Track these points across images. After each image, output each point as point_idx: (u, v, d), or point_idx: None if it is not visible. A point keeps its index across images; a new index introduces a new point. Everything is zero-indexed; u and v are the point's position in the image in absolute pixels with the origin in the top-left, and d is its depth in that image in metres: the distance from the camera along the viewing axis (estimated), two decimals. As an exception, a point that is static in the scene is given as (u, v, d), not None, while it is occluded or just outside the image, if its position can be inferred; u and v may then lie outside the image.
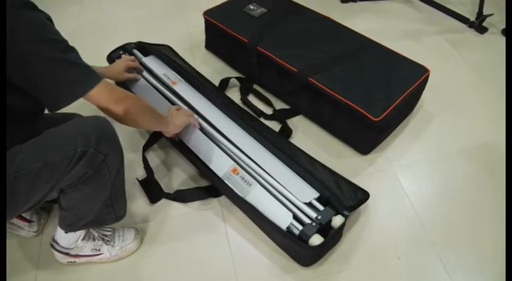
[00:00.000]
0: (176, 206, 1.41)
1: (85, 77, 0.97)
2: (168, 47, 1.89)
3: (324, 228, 1.22)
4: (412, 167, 1.56)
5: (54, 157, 0.94)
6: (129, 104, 1.05)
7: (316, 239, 1.18)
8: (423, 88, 1.65)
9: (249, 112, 1.67)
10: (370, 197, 1.35)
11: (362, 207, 1.37)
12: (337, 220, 1.23)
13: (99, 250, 1.24)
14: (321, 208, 1.26)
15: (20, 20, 0.88)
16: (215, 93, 1.64)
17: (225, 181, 1.34)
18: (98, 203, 1.11)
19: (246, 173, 1.35)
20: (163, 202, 1.42)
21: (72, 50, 0.96)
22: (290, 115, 1.70)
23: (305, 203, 1.27)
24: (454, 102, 1.80)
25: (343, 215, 1.24)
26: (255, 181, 1.33)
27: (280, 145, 1.45)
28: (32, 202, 1.00)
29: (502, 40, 2.15)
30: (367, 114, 1.42)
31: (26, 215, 1.30)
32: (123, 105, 1.03)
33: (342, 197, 1.31)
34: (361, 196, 1.34)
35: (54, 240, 1.22)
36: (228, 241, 1.33)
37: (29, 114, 1.05)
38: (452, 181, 1.52)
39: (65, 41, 0.95)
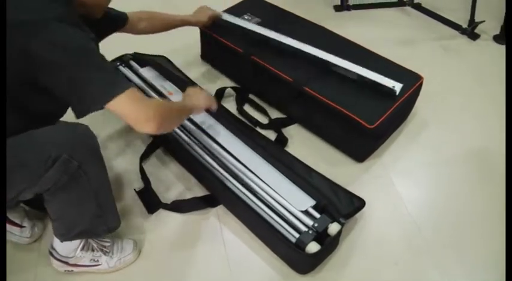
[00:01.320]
0: (174, 216, 1.42)
1: (109, 86, 0.97)
2: (164, 57, 1.91)
3: (321, 235, 1.23)
4: (408, 173, 1.57)
5: (29, 158, 0.96)
6: (161, 121, 1.02)
7: (313, 247, 1.18)
8: (417, 95, 1.67)
9: (245, 122, 1.68)
10: (366, 204, 1.36)
11: (358, 214, 1.38)
12: (333, 228, 1.24)
13: (98, 261, 1.25)
14: (318, 215, 1.27)
15: (62, 34, 0.92)
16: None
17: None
18: (84, 212, 1.12)
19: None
20: (161, 212, 1.42)
21: (105, 60, 1.00)
22: (286, 124, 1.72)
23: (301, 211, 1.28)
24: (448, 108, 1.83)
25: (339, 222, 1.25)
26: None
27: (277, 154, 1.47)
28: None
29: (494, 46, 2.18)
30: (362, 122, 1.44)
31: (15, 219, 1.29)
32: (156, 124, 1.01)
33: (338, 205, 1.32)
34: (357, 204, 1.35)
35: (52, 247, 1.23)
36: (225, 250, 1.33)
37: (50, 117, 1.07)
38: (448, 186, 1.54)
39: (100, 54, 0.99)
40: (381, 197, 1.49)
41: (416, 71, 1.65)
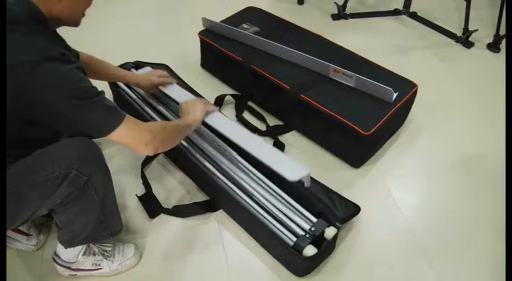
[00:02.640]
0: (174, 221, 1.45)
1: (105, 124, 1.02)
2: (165, 66, 1.95)
3: (318, 239, 1.26)
4: (403, 179, 1.61)
5: (40, 178, 0.99)
6: (157, 144, 1.10)
7: (310, 250, 1.22)
8: (412, 102, 1.71)
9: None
10: (362, 209, 1.39)
11: (355, 218, 1.41)
12: (330, 231, 1.27)
13: (99, 265, 1.28)
14: (314, 220, 1.31)
15: (50, 74, 0.93)
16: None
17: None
18: (91, 220, 1.15)
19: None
20: (162, 217, 1.45)
21: (98, 96, 1.01)
22: (283, 131, 1.75)
23: (295, 183, 1.29)
24: (443, 115, 1.86)
25: (335, 226, 1.29)
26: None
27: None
28: (21, 219, 1.05)
29: (488, 54, 2.22)
30: (358, 129, 1.48)
31: (23, 228, 1.33)
32: (153, 147, 1.09)
33: (334, 209, 1.35)
34: (352, 209, 1.38)
35: (56, 254, 1.26)
36: (225, 253, 1.36)
37: (45, 143, 1.07)
38: (442, 191, 1.57)
39: (92, 90, 1.00)
40: (376, 202, 1.52)
41: (412, 79, 1.68)
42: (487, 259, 1.35)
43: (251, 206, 1.36)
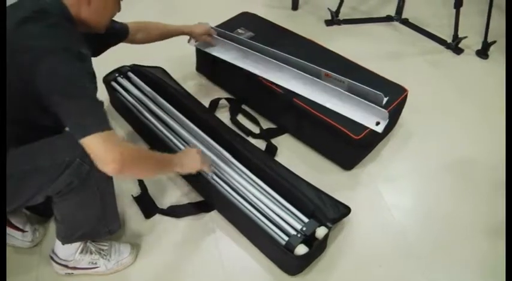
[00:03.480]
0: (169, 221, 1.48)
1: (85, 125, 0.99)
2: (161, 68, 1.97)
3: (309, 239, 1.29)
4: (394, 181, 1.65)
5: (44, 163, 1.03)
6: (123, 165, 1.00)
7: (301, 249, 1.25)
8: (402, 107, 1.75)
9: (237, 132, 1.75)
10: (353, 210, 1.43)
11: (346, 219, 1.45)
12: (321, 231, 1.30)
13: (96, 263, 1.30)
14: (306, 220, 1.34)
15: (65, 65, 0.98)
16: (205, 114, 1.73)
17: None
18: (90, 215, 1.19)
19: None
20: (157, 217, 1.48)
21: (91, 98, 1.01)
22: (277, 134, 1.79)
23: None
24: (433, 120, 1.91)
25: (326, 226, 1.32)
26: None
27: (267, 162, 1.53)
28: (17, 202, 1.08)
29: (477, 60, 2.28)
30: (348, 133, 1.52)
31: (18, 224, 1.35)
32: (117, 166, 0.99)
33: (325, 210, 1.39)
34: (343, 210, 1.42)
35: (53, 252, 1.29)
36: (219, 252, 1.39)
37: (51, 131, 1.11)
38: (432, 193, 1.61)
39: (88, 92, 1.01)
40: (367, 203, 1.55)
41: (403, 84, 1.72)
42: (478, 261, 1.39)
43: (244, 206, 1.39)
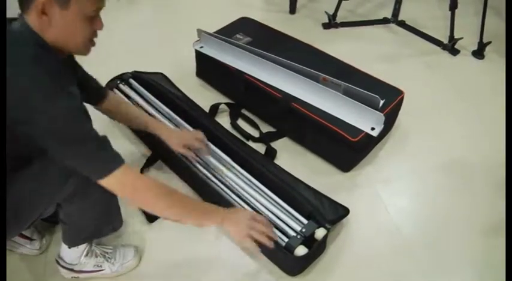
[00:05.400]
0: (172, 224, 1.48)
1: (98, 169, 0.98)
2: (162, 74, 2.00)
3: (308, 240, 1.32)
4: (391, 182, 1.67)
5: (50, 175, 1.04)
6: (150, 201, 1.05)
7: (300, 250, 1.28)
8: (399, 109, 1.78)
9: (237, 136, 1.78)
10: (352, 211, 1.45)
11: (344, 221, 1.48)
12: (320, 232, 1.33)
13: (101, 266, 1.33)
14: (305, 221, 1.38)
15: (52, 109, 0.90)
16: (206, 119, 1.76)
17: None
18: (95, 216, 1.21)
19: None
20: (160, 221, 1.51)
21: (93, 140, 0.97)
22: (276, 138, 1.82)
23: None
24: (430, 121, 1.93)
25: (325, 228, 1.35)
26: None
27: (266, 165, 1.57)
28: (33, 218, 1.12)
29: (473, 61, 2.30)
30: (346, 136, 1.55)
31: (26, 232, 1.38)
32: (143, 201, 1.05)
33: (323, 212, 1.42)
34: (341, 212, 1.45)
35: (59, 257, 1.32)
36: (221, 254, 1.42)
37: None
38: (430, 194, 1.64)
39: (88, 132, 0.96)
40: (365, 204, 1.58)
41: (400, 86, 1.75)
42: (477, 261, 1.41)
43: (244, 208, 1.42)
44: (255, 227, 1.17)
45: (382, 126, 1.55)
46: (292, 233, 1.34)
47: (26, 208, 1.07)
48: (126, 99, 1.59)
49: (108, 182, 0.98)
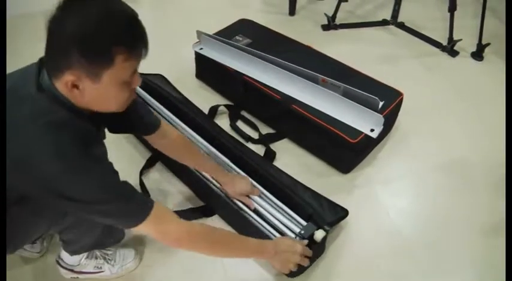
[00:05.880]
0: None
1: (128, 217, 0.97)
2: (161, 76, 2.01)
3: (307, 241, 1.32)
4: (391, 183, 1.68)
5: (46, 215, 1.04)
6: (186, 244, 1.05)
7: None
8: (398, 110, 1.79)
9: (237, 137, 1.78)
10: (351, 213, 1.46)
11: (344, 222, 1.48)
12: (319, 234, 1.33)
13: (101, 267, 1.34)
14: (304, 223, 1.38)
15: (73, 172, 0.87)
16: (205, 121, 1.76)
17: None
18: (98, 229, 1.22)
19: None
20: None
21: (119, 198, 0.94)
22: (275, 139, 1.82)
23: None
24: (429, 122, 1.94)
25: (324, 229, 1.35)
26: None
27: (266, 167, 1.57)
28: (28, 243, 1.19)
29: (472, 62, 2.31)
30: (345, 137, 1.55)
31: None
32: (179, 245, 1.06)
33: (322, 213, 1.42)
34: (340, 213, 1.45)
35: (59, 257, 1.32)
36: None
37: None
38: (429, 195, 1.64)
39: (113, 192, 0.93)
40: (365, 205, 1.58)
41: (399, 87, 1.75)
42: (476, 261, 1.42)
43: (244, 210, 1.43)
44: (300, 261, 1.25)
45: (382, 127, 1.55)
46: (292, 235, 1.34)
47: (21, 236, 1.08)
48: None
49: (144, 229, 0.98)
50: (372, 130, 1.55)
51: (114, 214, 0.94)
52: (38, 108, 0.87)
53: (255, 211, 1.44)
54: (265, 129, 1.87)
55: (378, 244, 1.47)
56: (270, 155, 1.73)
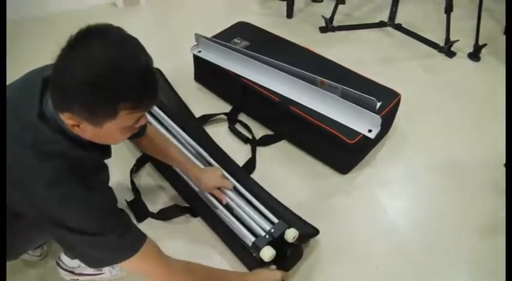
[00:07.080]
0: (160, 224, 1.50)
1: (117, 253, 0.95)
2: (158, 70, 2.00)
3: (277, 241, 1.29)
4: (389, 184, 1.68)
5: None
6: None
7: (266, 252, 1.23)
8: (396, 111, 1.79)
9: (222, 149, 1.76)
10: (350, 213, 1.47)
11: (343, 222, 1.50)
12: (290, 233, 1.29)
13: (101, 269, 1.34)
14: (276, 220, 1.35)
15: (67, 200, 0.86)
16: (192, 127, 1.77)
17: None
18: None
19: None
20: (148, 220, 1.51)
21: (114, 225, 0.92)
22: (274, 140, 1.83)
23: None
24: (427, 122, 1.95)
25: (296, 228, 1.31)
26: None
27: (244, 180, 1.56)
28: (25, 252, 1.19)
29: (469, 63, 2.32)
30: (343, 138, 1.56)
31: None
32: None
33: (294, 222, 1.41)
34: (310, 230, 1.43)
35: (60, 259, 1.32)
36: (219, 256, 1.42)
37: None
38: (427, 195, 1.65)
39: (109, 224, 0.92)
40: (363, 206, 1.59)
41: (397, 88, 1.76)
42: (475, 261, 1.42)
43: (216, 207, 1.43)
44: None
45: (379, 128, 1.56)
46: (262, 233, 1.30)
47: (21, 246, 1.09)
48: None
49: (132, 266, 0.97)
50: (370, 131, 1.56)
51: (103, 246, 0.92)
52: (41, 137, 0.86)
53: (227, 206, 1.42)
54: (263, 131, 1.88)
55: (377, 244, 1.48)
56: (249, 167, 1.71)
